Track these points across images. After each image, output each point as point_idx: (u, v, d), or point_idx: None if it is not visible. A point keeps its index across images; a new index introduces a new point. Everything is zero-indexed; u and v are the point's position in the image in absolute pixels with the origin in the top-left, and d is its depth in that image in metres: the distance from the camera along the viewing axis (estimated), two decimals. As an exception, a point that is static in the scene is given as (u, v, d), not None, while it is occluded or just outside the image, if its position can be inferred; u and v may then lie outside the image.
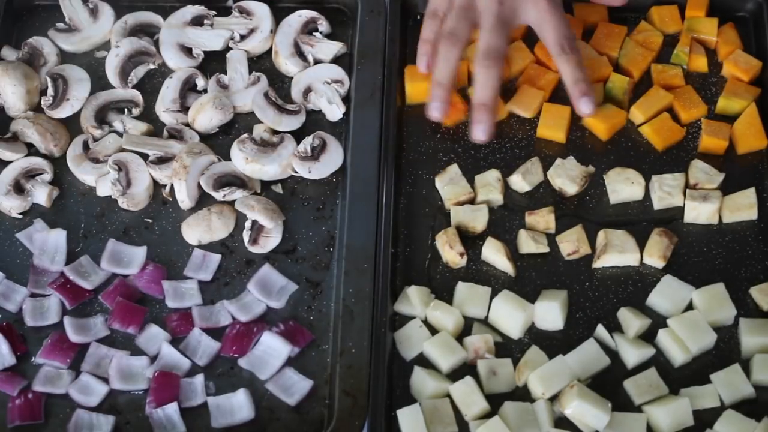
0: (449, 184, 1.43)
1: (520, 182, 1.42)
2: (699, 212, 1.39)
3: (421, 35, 1.46)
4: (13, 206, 1.44)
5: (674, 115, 1.48)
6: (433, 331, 1.33)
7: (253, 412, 1.28)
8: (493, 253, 1.36)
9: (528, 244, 1.37)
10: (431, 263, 1.38)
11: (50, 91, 1.53)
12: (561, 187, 1.41)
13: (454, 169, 1.44)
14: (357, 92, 1.50)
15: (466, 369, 1.30)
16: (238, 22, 1.58)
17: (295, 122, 1.50)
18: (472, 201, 1.42)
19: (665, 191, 1.40)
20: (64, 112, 1.52)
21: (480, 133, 1.37)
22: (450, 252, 1.37)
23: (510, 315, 1.31)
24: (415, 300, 1.34)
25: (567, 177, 1.41)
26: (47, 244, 1.40)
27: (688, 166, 1.43)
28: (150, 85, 1.56)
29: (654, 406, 1.25)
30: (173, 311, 1.36)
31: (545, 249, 1.38)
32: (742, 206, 1.39)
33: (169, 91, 1.52)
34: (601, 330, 1.31)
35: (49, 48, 1.57)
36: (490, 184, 1.41)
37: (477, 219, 1.39)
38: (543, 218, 1.39)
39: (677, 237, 1.38)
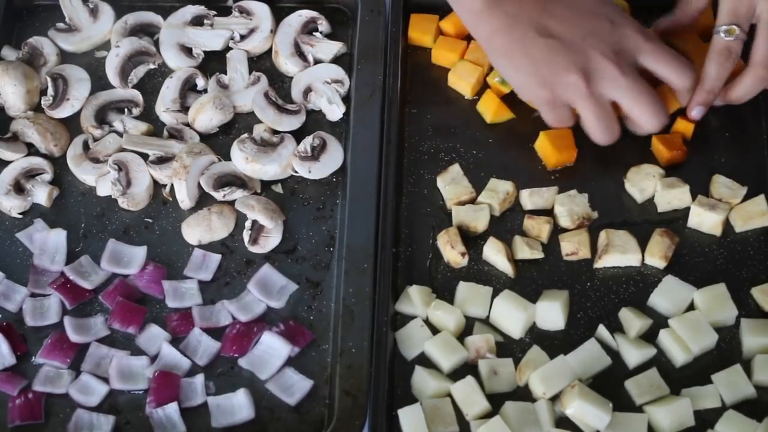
0: (451, 183, 1.42)
1: (525, 199, 1.41)
2: (702, 219, 1.38)
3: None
4: (13, 206, 1.44)
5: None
6: (435, 330, 1.33)
7: (253, 412, 1.28)
8: (494, 254, 1.36)
9: (522, 249, 1.37)
10: (433, 263, 1.38)
11: (50, 91, 1.52)
12: (556, 214, 1.40)
13: (455, 169, 1.43)
14: (357, 92, 1.50)
15: (467, 369, 1.30)
16: (238, 22, 1.58)
17: (295, 122, 1.50)
18: (473, 201, 1.41)
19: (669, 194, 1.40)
20: (64, 112, 1.52)
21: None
22: (451, 251, 1.37)
23: (511, 315, 1.31)
24: (416, 299, 1.33)
25: (567, 210, 1.38)
26: (47, 244, 1.40)
27: (710, 181, 1.41)
28: (150, 85, 1.56)
29: (655, 406, 1.25)
30: (173, 311, 1.36)
31: (539, 255, 1.36)
32: (755, 214, 1.37)
33: (169, 91, 1.52)
34: (602, 330, 1.31)
35: (49, 48, 1.57)
36: (496, 192, 1.41)
37: (478, 219, 1.38)
38: (538, 226, 1.38)
39: (679, 237, 1.37)
